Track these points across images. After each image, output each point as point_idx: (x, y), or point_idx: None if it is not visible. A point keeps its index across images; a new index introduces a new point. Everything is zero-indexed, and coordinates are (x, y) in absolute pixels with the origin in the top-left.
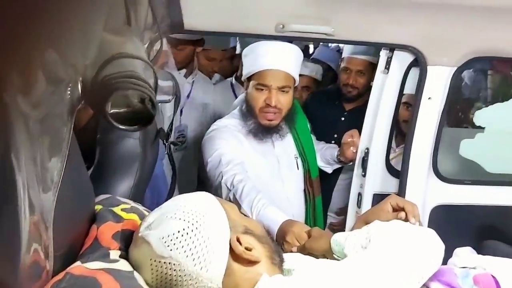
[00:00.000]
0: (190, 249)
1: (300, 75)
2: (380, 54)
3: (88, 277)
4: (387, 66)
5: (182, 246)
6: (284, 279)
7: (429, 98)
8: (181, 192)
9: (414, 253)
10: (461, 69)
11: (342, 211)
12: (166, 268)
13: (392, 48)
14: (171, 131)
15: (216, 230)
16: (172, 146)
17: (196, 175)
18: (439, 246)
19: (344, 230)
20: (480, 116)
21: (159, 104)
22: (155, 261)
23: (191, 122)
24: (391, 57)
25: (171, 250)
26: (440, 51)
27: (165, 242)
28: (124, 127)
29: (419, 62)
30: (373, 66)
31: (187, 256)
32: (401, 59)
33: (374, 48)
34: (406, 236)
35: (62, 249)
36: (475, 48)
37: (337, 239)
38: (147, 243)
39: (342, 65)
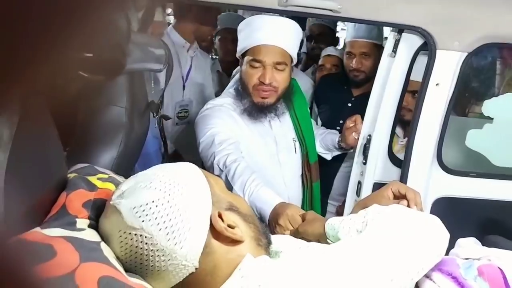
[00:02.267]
0: (164, 221)
1: None
2: (388, 36)
3: (43, 244)
4: (394, 49)
5: (156, 218)
6: (270, 261)
7: (437, 84)
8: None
9: (415, 241)
10: (473, 55)
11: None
12: (136, 241)
13: (400, 30)
14: (161, 103)
15: (195, 203)
16: (163, 119)
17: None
18: (443, 235)
19: None
20: (489, 106)
21: (150, 73)
22: (124, 232)
23: (196, 96)
24: (399, 40)
25: (142, 221)
26: (451, 34)
27: (136, 212)
28: (89, 76)
29: (428, 45)
30: (378, 48)
31: (160, 229)
32: (410, 42)
33: (377, 29)
34: (407, 221)
35: (17, 215)
36: (489, 33)
37: (332, 223)
38: (118, 212)
39: (346, 50)
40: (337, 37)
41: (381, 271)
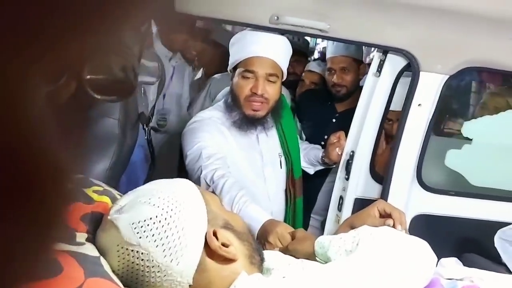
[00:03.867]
0: (161, 238)
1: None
2: (373, 56)
3: (50, 258)
4: (379, 69)
5: (153, 235)
6: (263, 279)
7: (419, 105)
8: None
9: (404, 264)
10: (454, 78)
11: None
12: (133, 256)
13: (385, 51)
14: (152, 116)
15: (192, 221)
16: (152, 131)
17: (176, 162)
18: (432, 259)
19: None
20: (469, 128)
21: (142, 86)
22: (122, 247)
23: (173, 106)
24: (384, 60)
25: (140, 237)
26: (434, 57)
27: (134, 228)
28: (101, 97)
29: (412, 67)
30: (357, 63)
31: (157, 246)
32: (394, 63)
33: (356, 46)
34: (397, 244)
35: None
36: (470, 57)
37: (321, 241)
38: (116, 227)
39: (327, 66)
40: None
41: None
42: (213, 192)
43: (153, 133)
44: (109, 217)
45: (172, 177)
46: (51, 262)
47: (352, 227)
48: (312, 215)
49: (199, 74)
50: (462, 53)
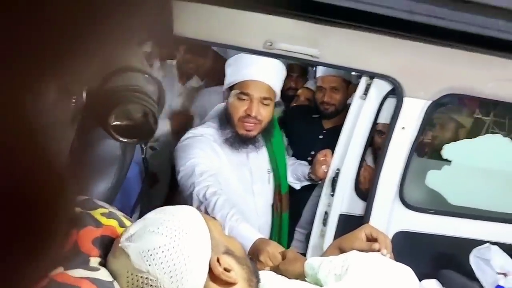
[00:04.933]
0: (169, 266)
1: None
2: (361, 80)
3: (73, 286)
4: (366, 92)
5: (162, 263)
6: None
7: (402, 128)
8: (150, 195)
9: None
10: (436, 103)
11: None
12: (142, 282)
13: (372, 76)
14: None
15: (197, 249)
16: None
17: (167, 176)
18: (415, 285)
19: None
20: (448, 150)
21: None
22: (131, 274)
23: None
24: (370, 84)
25: (149, 265)
26: (417, 84)
27: (144, 256)
28: (125, 140)
29: (396, 92)
30: (346, 83)
31: (165, 273)
32: (380, 87)
33: None
34: (383, 271)
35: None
36: (450, 85)
37: (312, 263)
38: (126, 255)
39: (317, 84)
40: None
41: None
42: (205, 209)
43: (148, 151)
44: (120, 245)
45: (162, 191)
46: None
47: (341, 249)
48: (296, 228)
49: (196, 83)
50: (444, 80)
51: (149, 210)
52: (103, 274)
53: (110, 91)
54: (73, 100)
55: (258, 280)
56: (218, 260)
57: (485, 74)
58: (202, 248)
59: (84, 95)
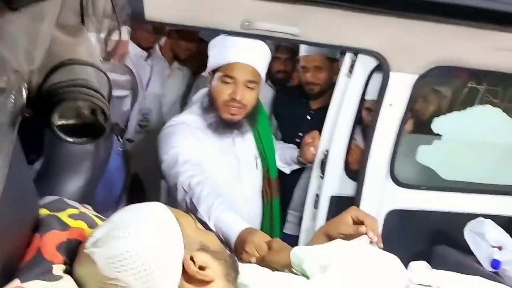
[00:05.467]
0: (139, 271)
1: None
2: (344, 57)
3: None
4: (351, 69)
5: (131, 268)
6: None
7: (390, 105)
8: (138, 184)
9: (377, 281)
10: (424, 77)
11: None
12: None
13: (356, 52)
14: (126, 127)
15: (168, 250)
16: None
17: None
18: (402, 275)
19: None
20: (438, 124)
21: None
22: (100, 281)
23: (155, 105)
24: (355, 60)
25: (118, 272)
26: (403, 58)
27: (112, 263)
28: (72, 140)
29: (382, 68)
30: (330, 61)
31: (135, 279)
32: (365, 64)
33: None
34: (369, 261)
35: (1, 264)
36: (438, 57)
37: (297, 253)
38: (93, 262)
39: (300, 65)
40: None
41: None
42: (190, 198)
43: (135, 133)
44: (85, 250)
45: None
46: None
47: (328, 235)
48: (289, 211)
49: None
50: (430, 53)
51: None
52: (65, 283)
53: (52, 86)
54: (12, 100)
55: (237, 273)
56: (192, 259)
57: (472, 44)
58: (172, 248)
59: (24, 93)
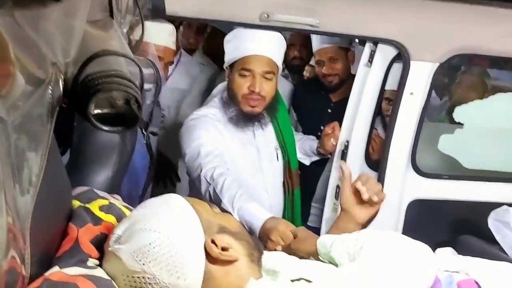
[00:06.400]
0: (163, 260)
1: None
2: (358, 46)
3: (68, 283)
4: (370, 59)
5: (156, 259)
6: (271, 284)
7: (411, 93)
8: (158, 178)
9: (408, 272)
10: (444, 65)
11: None
12: (140, 282)
13: (376, 41)
14: (150, 121)
15: (189, 237)
16: (151, 135)
17: (176, 158)
18: (433, 265)
19: None
20: (460, 112)
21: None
22: (127, 276)
23: (172, 102)
24: (374, 50)
25: (143, 264)
26: (423, 46)
27: (136, 256)
28: (107, 128)
29: (402, 57)
30: (344, 50)
31: (161, 268)
32: (385, 53)
33: None
34: (399, 250)
35: (39, 254)
36: (458, 45)
37: (324, 241)
38: (118, 258)
39: (315, 60)
40: None
41: None
42: (214, 189)
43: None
44: (109, 249)
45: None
46: (70, 286)
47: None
48: (312, 203)
49: (201, 57)
50: (450, 41)
51: None
52: (100, 272)
53: (88, 77)
54: (50, 91)
55: (260, 254)
56: (213, 242)
57: (494, 30)
58: (192, 234)
59: (61, 84)
